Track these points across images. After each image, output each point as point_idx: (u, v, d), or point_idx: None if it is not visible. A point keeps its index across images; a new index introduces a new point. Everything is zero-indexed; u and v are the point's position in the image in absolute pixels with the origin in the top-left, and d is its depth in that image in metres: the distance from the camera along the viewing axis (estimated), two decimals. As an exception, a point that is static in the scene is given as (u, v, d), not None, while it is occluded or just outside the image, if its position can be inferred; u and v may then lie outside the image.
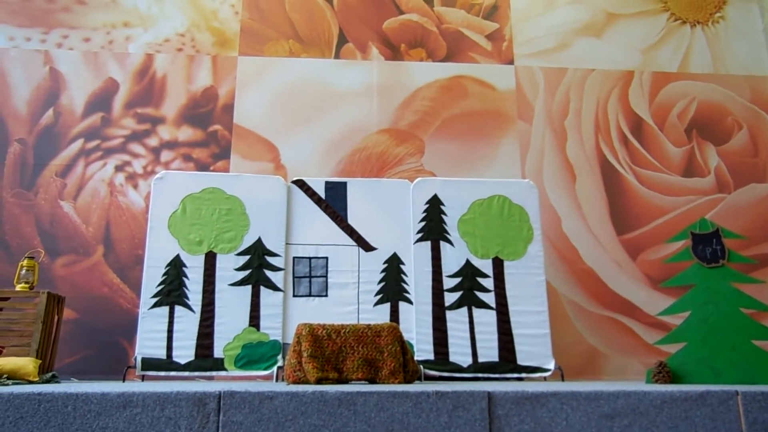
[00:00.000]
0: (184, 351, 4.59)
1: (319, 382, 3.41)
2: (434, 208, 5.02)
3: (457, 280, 4.87)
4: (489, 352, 4.71)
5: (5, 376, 3.70)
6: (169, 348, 4.58)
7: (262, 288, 4.78)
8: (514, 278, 4.88)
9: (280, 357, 4.63)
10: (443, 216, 5.00)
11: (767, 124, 6.21)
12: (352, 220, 5.01)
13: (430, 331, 4.74)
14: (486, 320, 4.78)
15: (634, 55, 6.40)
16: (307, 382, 3.48)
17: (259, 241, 4.87)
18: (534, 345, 4.73)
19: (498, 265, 4.91)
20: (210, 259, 4.80)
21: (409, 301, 4.83)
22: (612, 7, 6.54)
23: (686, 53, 6.44)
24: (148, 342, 4.58)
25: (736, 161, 6.08)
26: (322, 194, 5.06)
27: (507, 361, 4.68)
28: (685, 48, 6.46)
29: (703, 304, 4.06)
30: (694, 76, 6.35)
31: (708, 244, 4.18)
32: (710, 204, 5.92)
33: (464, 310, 4.81)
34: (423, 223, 4.99)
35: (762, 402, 2.78)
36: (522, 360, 4.70)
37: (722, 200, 5.94)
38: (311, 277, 4.87)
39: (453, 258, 4.92)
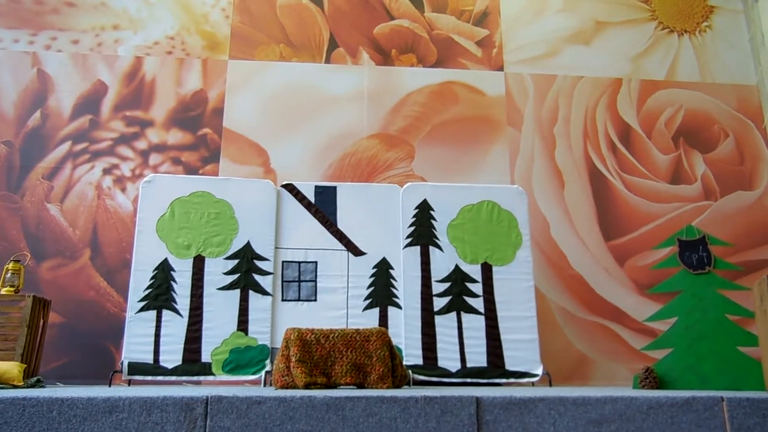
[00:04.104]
0: (172, 355, 4.56)
1: (307, 386, 3.40)
2: (424, 213, 5.03)
3: (446, 285, 4.88)
4: (477, 357, 4.72)
5: (-11, 380, 3.66)
6: (156, 352, 4.55)
7: (250, 292, 4.76)
8: (503, 284, 4.89)
9: (268, 362, 4.61)
10: (432, 221, 5.01)
11: (753, 132, 6.29)
12: (341, 225, 5.01)
13: (419, 336, 4.74)
14: (475, 325, 4.79)
15: (622, 63, 6.46)
16: (295, 386, 3.47)
17: (248, 245, 4.85)
18: (522, 350, 4.74)
19: (487, 270, 4.93)
20: (198, 263, 4.77)
21: (398, 306, 4.83)
22: (601, 15, 6.61)
23: (674, 62, 6.51)
24: (135, 346, 4.54)
25: (722, 169, 6.15)
26: (312, 198, 5.06)
27: (495, 367, 4.69)
28: (672, 56, 6.53)
29: (689, 310, 4.10)
30: (681, 84, 6.42)
31: (694, 251, 4.22)
32: (697, 211, 5.97)
33: (453, 315, 4.81)
34: (412, 228, 4.99)
35: (747, 408, 2.81)
36: (510, 365, 4.70)
37: (709, 207, 6.00)
38: (300, 281, 4.86)
39: (442, 263, 4.93)
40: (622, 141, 6.18)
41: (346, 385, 3.55)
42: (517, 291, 4.88)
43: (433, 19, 6.41)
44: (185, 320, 4.65)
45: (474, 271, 4.93)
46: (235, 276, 4.78)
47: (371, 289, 4.88)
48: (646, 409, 2.81)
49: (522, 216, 5.06)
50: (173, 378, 4.54)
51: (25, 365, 4.07)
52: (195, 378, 4.58)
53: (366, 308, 4.83)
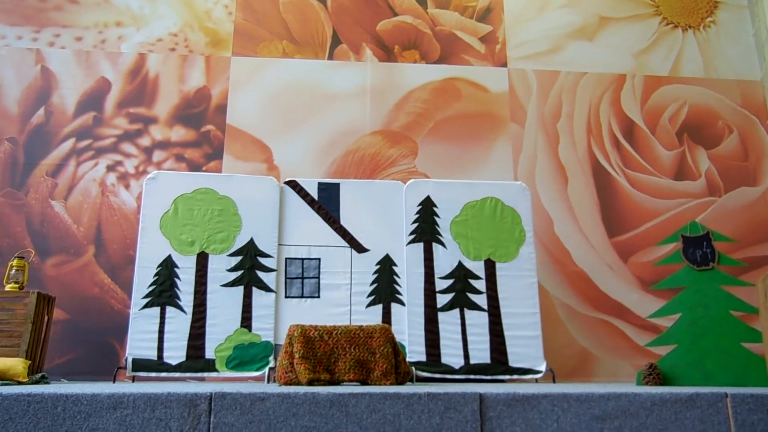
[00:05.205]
0: (176, 352, 4.57)
1: (310, 383, 3.41)
2: (427, 210, 5.03)
3: (450, 281, 4.88)
4: (481, 353, 4.72)
5: (-6, 376, 3.67)
6: (160, 349, 4.57)
7: (254, 289, 4.77)
8: (506, 280, 4.89)
9: (271, 358, 4.62)
10: (436, 218, 5.01)
11: (757, 128, 6.26)
12: (344, 222, 5.01)
13: (422, 332, 4.74)
14: (478, 322, 4.79)
15: (626, 58, 6.44)
16: (298, 383, 3.47)
17: (251, 242, 4.86)
18: (525, 347, 4.74)
19: (490, 266, 4.93)
20: (202, 260, 4.78)
21: (402, 303, 4.84)
22: (604, 11, 6.58)
23: (678, 57, 6.48)
24: (139, 343, 4.56)
25: (726, 165, 6.13)
26: (315, 195, 5.06)
27: (499, 363, 4.69)
28: (676, 52, 6.50)
29: (693, 306, 4.09)
30: (685, 80, 6.39)
31: (698, 247, 4.21)
32: (701, 207, 5.96)
33: (456, 311, 4.81)
34: (415, 225, 4.99)
35: (751, 404, 2.80)
36: (513, 362, 4.71)
37: (713, 203, 5.98)
38: (303, 278, 4.87)
39: (445, 260, 4.93)
40: (626, 137, 6.16)
41: (349, 381, 3.55)
42: (520, 287, 4.88)
43: (436, 15, 6.40)
44: (189, 317, 4.66)
45: (477, 267, 4.93)
46: (239, 273, 4.79)
47: (374, 285, 4.88)
48: (650, 405, 2.81)
49: (525, 212, 5.06)
50: (177, 374, 4.56)
51: (30, 361, 4.08)
52: (199, 374, 4.60)
53: (369, 305, 4.83)
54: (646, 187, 6.01)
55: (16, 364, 3.84)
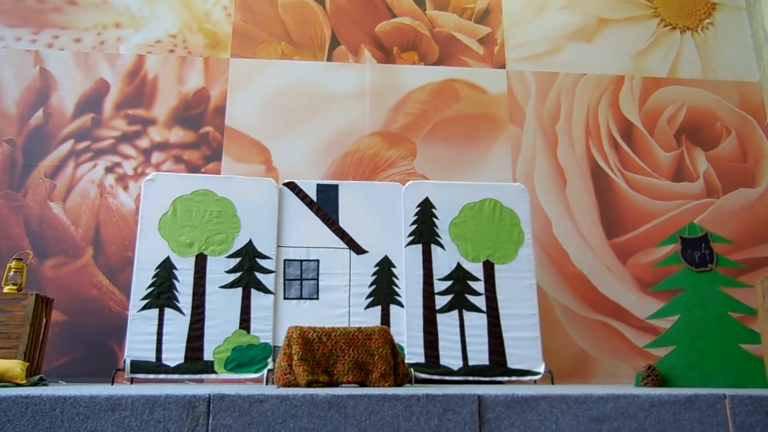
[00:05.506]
0: (174, 354, 4.57)
1: (309, 385, 3.41)
2: (425, 212, 5.03)
3: (448, 283, 4.88)
4: (479, 355, 4.72)
5: (-8, 378, 3.67)
6: (159, 351, 4.56)
7: (252, 290, 4.77)
8: (505, 282, 4.89)
9: (270, 360, 4.62)
10: (434, 219, 5.01)
11: (755, 129, 6.27)
12: (343, 223, 5.01)
13: (421, 334, 4.74)
14: (476, 323, 4.79)
15: (624, 60, 6.45)
16: (297, 385, 3.47)
17: (249, 244, 4.86)
18: (524, 348, 4.74)
19: (489, 268, 4.93)
20: (200, 262, 4.78)
21: (400, 304, 4.83)
22: (603, 12, 6.59)
23: (676, 59, 6.49)
24: (138, 344, 4.55)
25: (724, 166, 6.13)
26: (314, 197, 5.06)
27: (497, 365, 4.69)
28: (674, 53, 6.51)
29: (691, 307, 4.09)
30: (683, 81, 6.40)
31: (697, 249, 4.21)
32: (699, 208, 5.96)
33: (455, 313, 4.81)
34: (414, 226, 4.99)
35: (749, 405, 2.80)
36: (512, 363, 4.71)
37: (711, 205, 5.98)
38: (302, 279, 4.87)
39: (444, 261, 4.93)
40: (624, 138, 6.16)
41: (348, 383, 3.55)
42: (519, 289, 4.88)
43: (434, 16, 6.40)
44: (187, 318, 4.65)
45: (476, 269, 4.92)
46: (237, 274, 4.78)
47: (373, 287, 4.88)
48: (649, 406, 2.81)
49: (524, 214, 5.06)
50: (176, 376, 4.55)
51: (28, 363, 4.08)
52: (197, 376, 4.59)
53: (368, 306, 4.83)
54: (645, 189, 6.01)
55: (14, 366, 3.83)
